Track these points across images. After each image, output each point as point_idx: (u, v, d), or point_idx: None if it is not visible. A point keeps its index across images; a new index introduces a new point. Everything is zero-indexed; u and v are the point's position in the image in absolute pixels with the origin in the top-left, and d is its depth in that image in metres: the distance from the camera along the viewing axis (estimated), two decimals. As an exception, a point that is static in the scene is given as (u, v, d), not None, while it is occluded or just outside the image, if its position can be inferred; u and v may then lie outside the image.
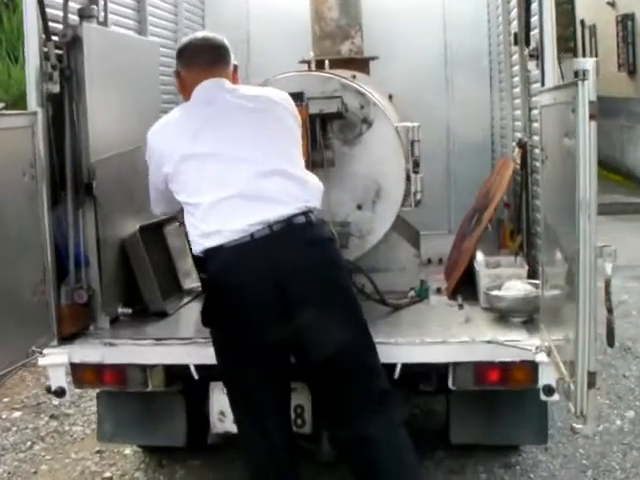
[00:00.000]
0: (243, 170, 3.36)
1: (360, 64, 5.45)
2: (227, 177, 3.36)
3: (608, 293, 2.89)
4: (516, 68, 4.87)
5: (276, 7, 6.06)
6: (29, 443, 5.11)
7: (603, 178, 15.52)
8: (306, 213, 3.37)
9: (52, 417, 5.44)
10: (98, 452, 4.89)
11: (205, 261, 3.40)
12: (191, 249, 3.51)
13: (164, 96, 5.03)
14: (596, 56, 18.14)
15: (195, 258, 3.65)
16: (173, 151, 3.43)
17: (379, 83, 5.37)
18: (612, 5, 17.20)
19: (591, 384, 2.86)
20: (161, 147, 3.49)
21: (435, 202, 5.71)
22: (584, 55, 18.44)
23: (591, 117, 2.75)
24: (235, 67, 3.68)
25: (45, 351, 3.77)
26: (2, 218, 3.47)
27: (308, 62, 5.24)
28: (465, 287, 4.39)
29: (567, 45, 16.72)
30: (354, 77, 5.06)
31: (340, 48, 5.43)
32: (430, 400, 4.64)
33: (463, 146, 5.91)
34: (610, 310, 2.94)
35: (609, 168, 15.96)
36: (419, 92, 5.75)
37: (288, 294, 3.26)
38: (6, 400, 5.73)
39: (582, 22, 19.81)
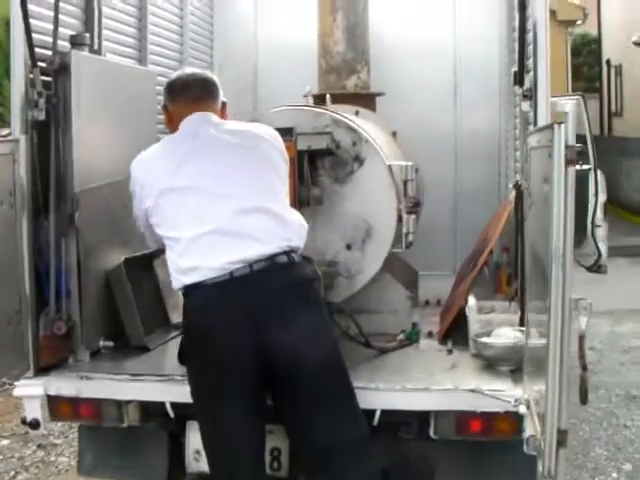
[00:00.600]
0: (224, 206, 3.31)
1: (366, 99, 5.40)
2: (207, 212, 3.30)
3: (582, 349, 2.78)
4: (518, 109, 4.78)
5: (285, 39, 6.02)
6: (13, 472, 5.07)
7: (624, 220, 15.37)
8: (288, 253, 3.32)
9: (39, 447, 5.40)
10: (81, 484, 4.80)
11: (184, 296, 3.36)
12: None
13: (162, 126, 4.97)
14: (621, 96, 18.03)
15: None
16: (154, 184, 3.39)
17: (385, 120, 5.33)
18: (638, 45, 17.08)
19: (561, 442, 2.74)
20: (143, 179, 3.46)
21: (440, 242, 5.66)
22: (609, 95, 18.28)
23: (568, 162, 2.64)
24: (224, 104, 3.67)
25: (21, 382, 3.74)
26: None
27: (313, 96, 5.19)
28: (458, 332, 4.27)
29: (593, 85, 16.60)
30: (357, 113, 5.02)
31: (345, 83, 5.38)
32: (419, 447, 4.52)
33: (470, 187, 5.82)
34: (584, 367, 2.82)
35: (630, 210, 15.80)
36: (427, 131, 5.69)
37: (267, 336, 3.21)
38: (-5, 428, 5.70)
39: (608, 62, 19.71)
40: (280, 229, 3.34)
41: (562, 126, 2.61)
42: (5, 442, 5.51)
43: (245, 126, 3.61)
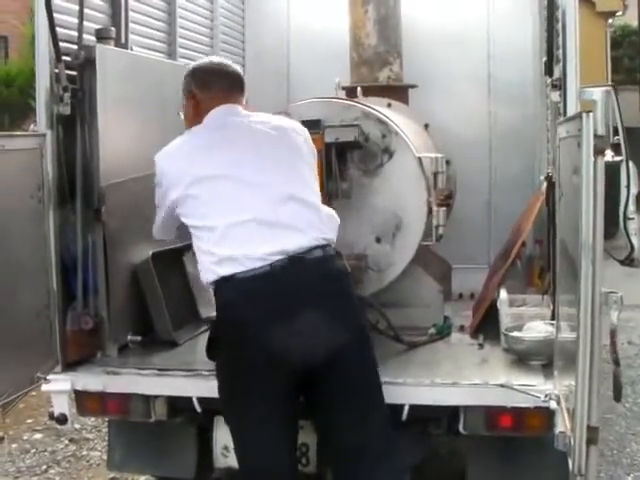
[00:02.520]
0: (259, 194, 3.23)
1: (398, 92, 5.35)
2: (243, 200, 3.22)
3: (614, 343, 2.71)
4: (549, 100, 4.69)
5: (317, 32, 5.96)
6: (45, 466, 5.08)
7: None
8: (324, 246, 3.24)
9: (72, 441, 5.41)
10: (112, 479, 4.81)
11: (217, 289, 3.24)
12: None
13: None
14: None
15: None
16: (183, 174, 3.31)
17: (418, 112, 5.27)
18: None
19: (591, 440, 2.67)
20: (170, 169, 3.37)
21: (474, 235, 5.59)
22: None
23: (597, 152, 2.57)
24: (246, 101, 3.61)
25: (49, 377, 3.71)
26: (8, 241, 3.44)
27: (344, 89, 5.15)
28: (491, 326, 4.21)
29: (633, 77, 16.36)
30: (389, 105, 4.97)
31: (378, 75, 5.32)
32: (452, 443, 4.47)
33: (505, 178, 5.72)
34: (617, 362, 2.75)
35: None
36: (460, 123, 5.61)
37: (305, 331, 3.11)
38: (29, 421, 5.72)
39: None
40: (316, 220, 3.27)
41: (590, 115, 2.54)
42: (38, 436, 5.53)
43: (271, 118, 3.53)
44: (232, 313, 3.19)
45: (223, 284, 3.19)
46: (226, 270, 3.15)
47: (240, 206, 3.21)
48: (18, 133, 3.84)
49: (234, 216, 3.19)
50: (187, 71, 3.60)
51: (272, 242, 3.15)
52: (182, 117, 3.62)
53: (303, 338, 3.12)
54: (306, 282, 3.18)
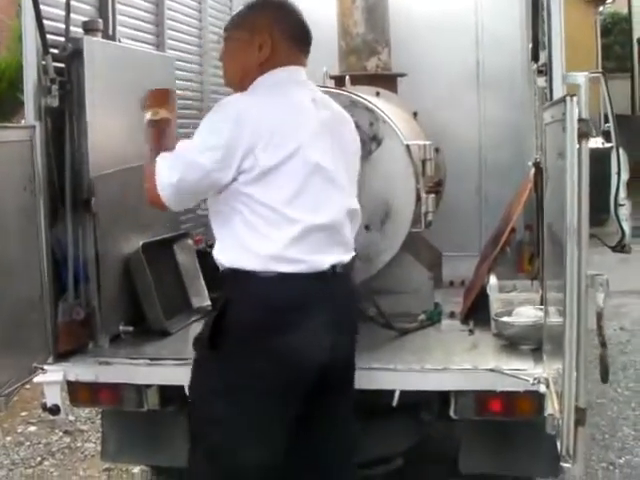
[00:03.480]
0: (340, 199, 3.06)
1: (386, 80, 5.34)
2: (330, 201, 3.00)
3: (600, 326, 2.73)
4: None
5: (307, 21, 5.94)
6: (39, 458, 5.10)
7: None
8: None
9: (66, 433, 5.42)
10: (106, 470, 4.84)
11: (264, 283, 2.91)
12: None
13: (184, 111, 4.95)
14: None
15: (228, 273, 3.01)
16: (286, 137, 2.90)
17: (407, 100, 5.27)
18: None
19: (579, 421, 2.69)
20: (266, 125, 2.87)
21: (465, 223, 5.60)
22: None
23: (581, 136, 2.59)
24: None
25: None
26: (4, 233, 3.45)
27: (333, 78, 5.15)
28: (481, 312, 4.23)
29: (624, 64, 16.37)
30: (377, 94, 4.98)
31: (366, 64, 5.31)
32: (446, 428, 4.50)
33: (495, 165, 5.73)
34: (603, 344, 2.77)
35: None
36: (450, 110, 5.60)
37: (336, 343, 3.00)
38: (24, 414, 5.73)
39: (639, 41, 19.42)
40: (353, 237, 3.19)
41: (574, 99, 2.56)
42: (32, 428, 5.54)
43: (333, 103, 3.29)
44: (283, 315, 2.91)
45: (278, 281, 2.90)
46: (285, 268, 2.89)
47: (326, 207, 2.98)
48: (8, 125, 3.83)
49: (319, 216, 2.95)
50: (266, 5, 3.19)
51: (336, 254, 3.02)
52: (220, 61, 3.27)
53: (335, 352, 3.01)
54: (346, 298, 3.12)
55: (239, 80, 3.11)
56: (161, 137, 3.14)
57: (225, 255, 2.99)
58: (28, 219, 3.65)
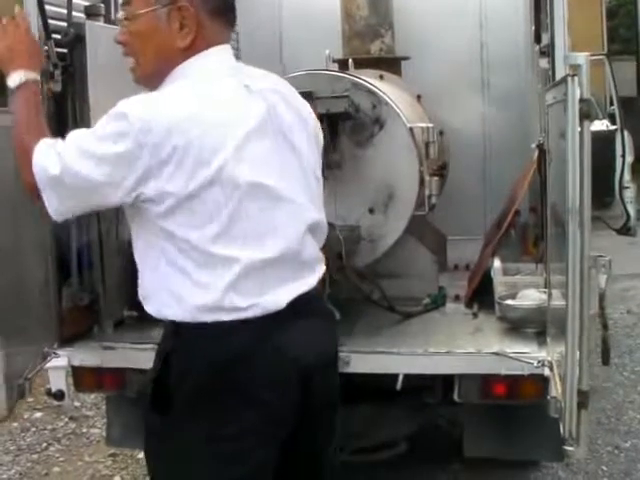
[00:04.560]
0: (287, 216, 2.43)
1: (390, 64, 5.32)
2: (269, 226, 2.39)
3: (602, 308, 2.72)
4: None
5: (309, 6, 5.93)
6: (45, 444, 5.13)
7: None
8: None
9: (71, 419, 5.45)
10: (112, 455, 4.87)
11: (207, 336, 2.37)
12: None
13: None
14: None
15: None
16: (212, 152, 2.28)
17: (411, 83, 5.25)
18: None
19: (582, 404, 2.68)
20: (190, 140, 2.25)
21: (470, 206, 5.56)
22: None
23: (583, 116, 2.57)
24: None
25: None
26: (15, 219, 3.46)
27: (337, 61, 5.13)
28: (486, 295, 4.21)
29: (630, 47, 16.24)
30: (381, 77, 4.96)
31: (370, 47, 5.30)
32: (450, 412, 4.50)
33: (500, 148, 5.70)
34: (605, 326, 2.76)
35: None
36: (454, 93, 5.57)
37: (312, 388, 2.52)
38: (30, 400, 5.73)
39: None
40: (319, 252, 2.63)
41: (575, 79, 2.53)
42: (38, 414, 5.56)
43: (274, 79, 2.62)
44: (229, 373, 2.38)
45: (220, 333, 2.37)
46: (227, 317, 2.35)
47: (273, 233, 2.40)
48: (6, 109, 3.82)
49: (265, 249, 2.38)
50: None
51: (295, 285, 2.47)
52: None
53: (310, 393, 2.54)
54: (317, 331, 2.57)
55: (154, 73, 2.53)
56: (32, 104, 2.63)
57: (152, 304, 2.47)
58: (31, 205, 3.64)
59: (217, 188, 2.27)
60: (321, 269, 2.59)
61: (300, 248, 2.46)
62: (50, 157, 2.38)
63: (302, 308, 2.44)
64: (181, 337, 2.42)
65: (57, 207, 2.44)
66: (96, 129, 2.38)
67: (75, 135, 2.42)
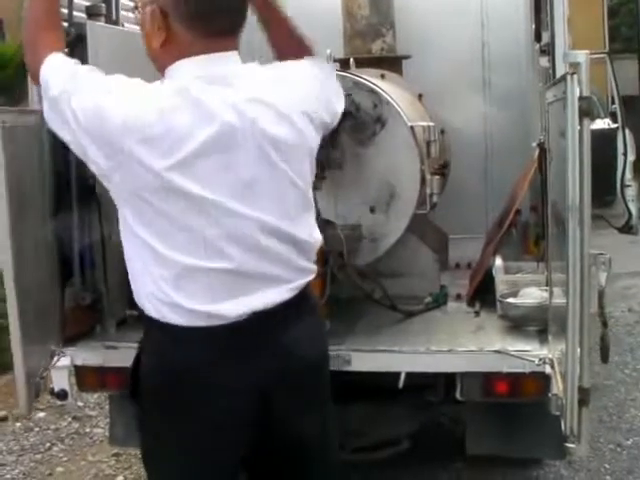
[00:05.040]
0: (239, 231, 2.37)
1: (392, 63, 5.33)
2: (217, 238, 2.36)
3: (602, 305, 2.73)
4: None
5: (310, 5, 5.92)
6: (48, 444, 5.14)
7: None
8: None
9: (75, 418, 5.46)
10: (115, 455, 4.88)
11: (164, 340, 2.46)
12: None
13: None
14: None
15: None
16: (178, 140, 2.27)
17: (413, 83, 5.26)
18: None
19: (583, 401, 2.69)
20: (157, 129, 2.27)
21: (471, 205, 5.57)
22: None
23: (583, 114, 2.57)
24: None
25: (50, 352, 3.77)
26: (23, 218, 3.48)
27: (338, 61, 5.14)
28: (488, 294, 4.22)
29: (631, 45, 16.23)
30: (382, 76, 4.97)
31: (371, 47, 5.30)
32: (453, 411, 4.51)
33: (501, 147, 5.70)
34: (604, 323, 2.77)
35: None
36: (455, 92, 5.58)
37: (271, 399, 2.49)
38: (33, 400, 5.76)
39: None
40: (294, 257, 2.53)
41: (574, 76, 2.54)
42: (41, 414, 5.57)
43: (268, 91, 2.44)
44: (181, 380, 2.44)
45: (175, 337, 2.43)
46: (179, 321, 2.40)
47: (215, 246, 2.37)
48: (13, 109, 3.84)
49: (209, 260, 2.37)
50: None
51: (255, 298, 2.43)
52: None
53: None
54: (286, 347, 2.51)
55: (155, 66, 2.56)
56: None
57: (135, 295, 2.58)
58: (34, 204, 3.66)
59: (162, 194, 2.28)
60: (300, 279, 2.50)
61: (254, 263, 2.38)
62: (57, 78, 2.43)
63: (260, 321, 2.40)
64: (148, 338, 2.55)
65: (48, 114, 2.45)
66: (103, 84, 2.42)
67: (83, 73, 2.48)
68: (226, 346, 2.39)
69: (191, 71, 2.37)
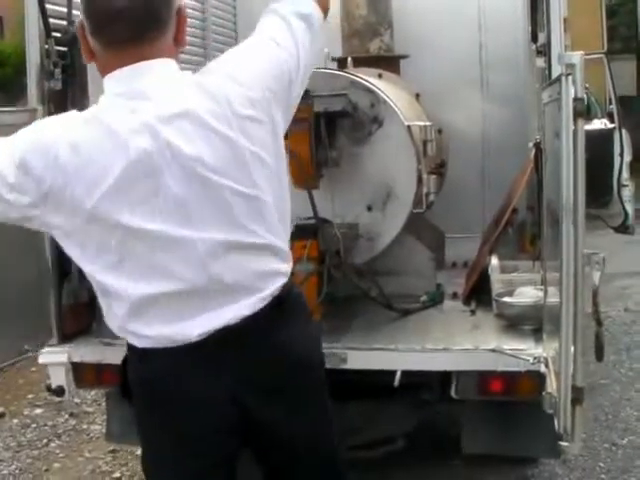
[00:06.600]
0: (181, 254, 2.29)
1: (389, 62, 5.35)
2: (161, 263, 2.30)
3: (596, 304, 2.75)
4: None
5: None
6: (45, 440, 5.16)
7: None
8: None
9: (72, 415, 5.48)
10: (112, 452, 4.89)
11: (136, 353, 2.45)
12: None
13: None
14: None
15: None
16: (91, 189, 2.20)
17: (410, 82, 5.28)
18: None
19: (577, 400, 2.70)
20: (80, 170, 2.20)
21: (469, 204, 5.60)
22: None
23: (577, 115, 2.59)
24: (179, 10, 2.33)
25: (45, 349, 3.78)
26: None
27: (336, 60, 5.17)
28: (484, 293, 4.23)
29: (630, 46, 16.27)
30: (380, 76, 4.99)
31: (369, 46, 5.34)
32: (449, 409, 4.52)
33: (498, 146, 5.72)
34: (599, 322, 2.78)
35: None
36: (452, 91, 5.60)
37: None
38: (30, 397, 5.78)
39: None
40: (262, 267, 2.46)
41: (569, 77, 2.56)
42: (38, 411, 5.60)
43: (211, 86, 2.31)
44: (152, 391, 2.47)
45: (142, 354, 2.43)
46: (139, 342, 2.41)
47: (162, 272, 2.32)
48: (10, 108, 3.85)
49: (158, 285, 2.32)
50: None
51: (215, 316, 2.37)
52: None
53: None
54: (260, 360, 2.46)
55: None
56: None
57: None
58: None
59: (96, 227, 2.22)
60: (271, 286, 2.40)
61: (211, 282, 2.31)
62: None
63: (226, 335, 2.34)
64: (129, 348, 2.49)
65: None
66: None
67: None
68: (192, 361, 2.35)
69: (111, 89, 2.31)
